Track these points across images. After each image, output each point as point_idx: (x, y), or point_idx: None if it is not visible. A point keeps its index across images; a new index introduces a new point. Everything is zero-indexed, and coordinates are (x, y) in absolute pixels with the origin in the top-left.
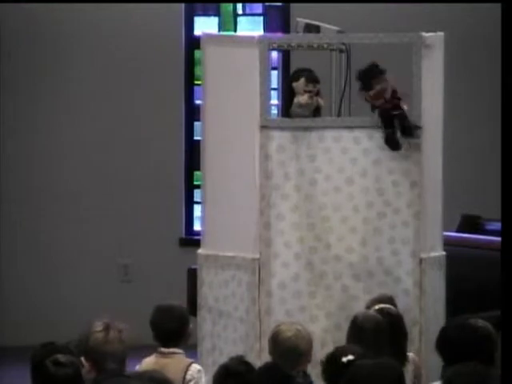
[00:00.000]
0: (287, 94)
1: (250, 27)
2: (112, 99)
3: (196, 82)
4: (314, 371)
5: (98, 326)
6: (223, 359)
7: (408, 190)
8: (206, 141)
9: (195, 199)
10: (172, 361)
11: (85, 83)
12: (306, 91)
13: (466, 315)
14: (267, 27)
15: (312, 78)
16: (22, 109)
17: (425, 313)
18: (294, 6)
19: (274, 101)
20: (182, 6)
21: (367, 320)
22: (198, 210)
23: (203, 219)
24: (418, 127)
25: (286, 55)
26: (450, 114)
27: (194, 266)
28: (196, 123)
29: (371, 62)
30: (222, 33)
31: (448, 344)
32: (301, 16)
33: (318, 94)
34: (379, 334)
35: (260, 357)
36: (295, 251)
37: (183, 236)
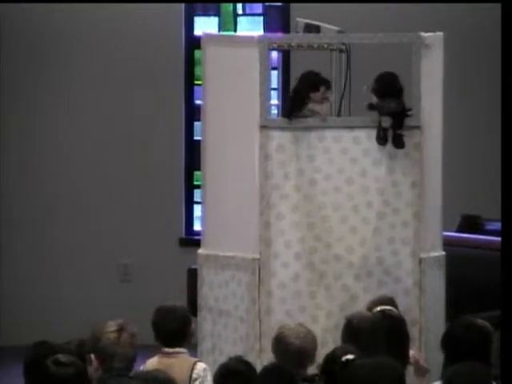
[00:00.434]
0: (297, 98)
1: (250, 27)
2: (112, 99)
3: (196, 82)
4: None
5: (112, 327)
6: (223, 359)
7: (408, 190)
8: (206, 141)
9: (195, 199)
10: (177, 360)
11: (85, 83)
12: (323, 99)
13: (471, 315)
14: (267, 27)
15: (330, 86)
16: (22, 109)
17: (425, 313)
18: (293, 5)
19: (274, 101)
20: (182, 5)
21: (363, 321)
22: (198, 210)
23: (203, 219)
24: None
25: (286, 55)
26: (449, 114)
27: (194, 266)
28: (196, 123)
29: (395, 75)
30: (221, 33)
31: (453, 342)
32: (301, 16)
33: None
34: (375, 334)
35: (260, 357)
36: (295, 251)
37: (183, 236)
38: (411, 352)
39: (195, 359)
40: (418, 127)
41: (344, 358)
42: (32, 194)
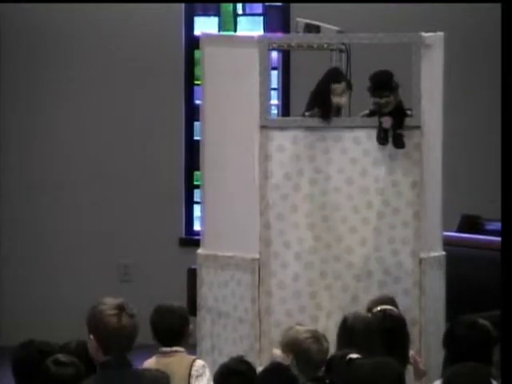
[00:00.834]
0: (323, 93)
1: (250, 27)
2: (112, 99)
3: (196, 82)
4: None
5: (111, 310)
6: (223, 359)
7: (408, 190)
8: (206, 141)
9: (195, 199)
10: (175, 359)
11: (85, 83)
12: (343, 92)
13: (471, 314)
14: (267, 27)
15: (351, 86)
16: (22, 109)
17: (425, 313)
18: (293, 6)
19: (274, 101)
20: (182, 5)
21: (357, 321)
22: (197, 210)
23: (203, 219)
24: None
25: (286, 55)
26: (449, 114)
27: (193, 266)
28: (196, 123)
29: (389, 72)
30: (221, 33)
31: (455, 341)
32: (301, 16)
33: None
34: (370, 334)
35: (259, 357)
36: (295, 251)
37: (183, 236)
38: (411, 352)
39: (193, 357)
40: (418, 127)
41: (346, 358)
42: (32, 193)
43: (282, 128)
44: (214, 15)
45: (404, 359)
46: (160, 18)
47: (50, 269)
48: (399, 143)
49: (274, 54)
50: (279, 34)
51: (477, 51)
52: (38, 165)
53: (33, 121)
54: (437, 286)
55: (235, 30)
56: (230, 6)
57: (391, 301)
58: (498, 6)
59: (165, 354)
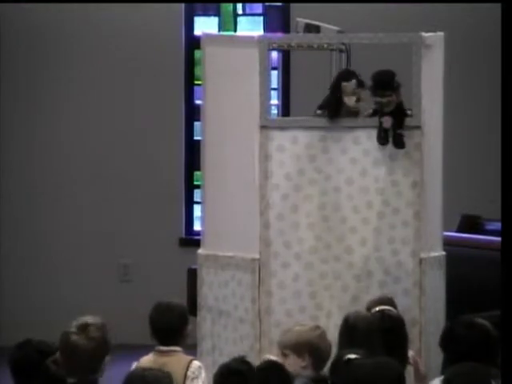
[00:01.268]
0: (333, 93)
1: (250, 27)
2: (112, 99)
3: (196, 82)
4: None
5: (73, 328)
6: (223, 359)
7: (408, 190)
8: (206, 141)
9: (195, 199)
10: (171, 359)
11: (85, 83)
12: (354, 93)
13: (471, 314)
14: (267, 27)
15: (362, 83)
16: (22, 109)
17: (425, 313)
18: (293, 5)
19: (274, 101)
20: (182, 5)
21: (359, 320)
22: (197, 210)
23: (203, 219)
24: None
25: (286, 55)
26: (449, 114)
27: (194, 266)
28: (196, 123)
29: (391, 72)
30: (221, 33)
31: (454, 341)
32: (301, 16)
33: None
34: (372, 334)
35: (260, 357)
36: (295, 251)
37: (183, 236)
38: (410, 353)
39: (190, 357)
40: (418, 127)
41: (345, 358)
42: (32, 193)
43: (282, 128)
44: (214, 15)
45: (403, 359)
46: (160, 18)
47: (50, 269)
48: (399, 143)
49: (274, 54)
50: (279, 34)
51: (477, 51)
52: (38, 165)
53: (33, 121)
54: (437, 286)
55: (235, 30)
56: (230, 5)
57: (390, 301)
58: (497, 6)
59: (162, 352)
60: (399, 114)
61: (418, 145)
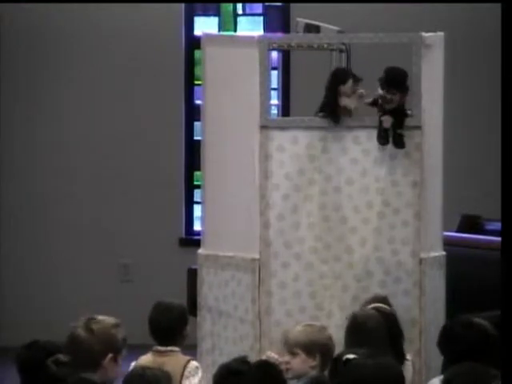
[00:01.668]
0: (331, 96)
1: (250, 27)
2: (112, 99)
3: (196, 82)
4: None
5: (78, 322)
6: (223, 359)
7: (408, 190)
8: (206, 141)
9: (195, 199)
10: (169, 359)
11: (85, 83)
12: (353, 92)
13: (469, 314)
14: (267, 27)
15: (358, 78)
16: (22, 108)
17: (425, 313)
18: (293, 5)
19: (274, 101)
20: (182, 5)
21: (368, 318)
22: (198, 210)
23: (203, 219)
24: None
25: (286, 55)
26: (450, 114)
27: (194, 266)
28: (196, 123)
29: (406, 73)
30: (221, 33)
31: (452, 341)
32: (301, 16)
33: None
34: (381, 331)
35: (260, 357)
36: (295, 251)
37: (183, 236)
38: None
39: (188, 357)
40: (418, 127)
41: (344, 358)
42: (32, 194)
43: (282, 128)
44: (214, 15)
45: (399, 356)
46: (160, 18)
47: (50, 269)
48: (399, 143)
49: (274, 54)
50: (279, 34)
51: (477, 51)
52: (37, 165)
53: (33, 121)
54: (437, 285)
55: (235, 30)
56: (230, 5)
57: (384, 300)
58: (497, 6)
59: (160, 352)
60: (399, 114)
61: (418, 145)
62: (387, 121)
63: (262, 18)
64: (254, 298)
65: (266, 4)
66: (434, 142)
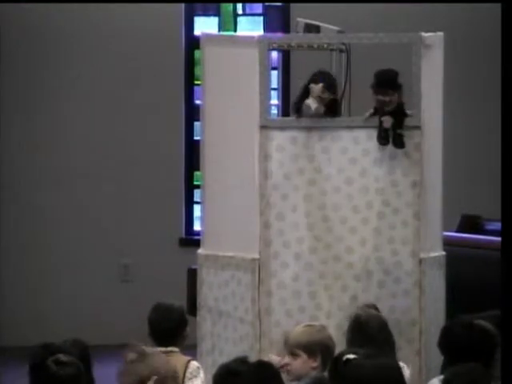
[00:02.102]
0: (302, 93)
1: (250, 27)
2: (112, 99)
3: (196, 82)
4: None
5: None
6: (223, 359)
7: (408, 190)
8: (206, 141)
9: (195, 199)
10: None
11: (85, 83)
12: (320, 97)
13: (469, 315)
14: (267, 27)
15: (330, 86)
16: (22, 108)
17: (425, 313)
18: (293, 5)
19: (274, 101)
20: (182, 5)
21: (372, 317)
22: (197, 210)
23: (203, 219)
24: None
25: (286, 55)
26: (449, 114)
27: (194, 266)
28: (196, 123)
29: (395, 71)
30: (221, 33)
31: (452, 342)
32: (301, 16)
33: (335, 101)
34: (385, 330)
35: (260, 357)
36: (295, 251)
37: (183, 236)
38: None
39: (188, 358)
40: (418, 127)
41: (344, 358)
42: (32, 193)
43: (281, 128)
44: (214, 15)
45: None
46: (160, 18)
47: (50, 269)
48: (399, 143)
49: (274, 54)
50: (279, 34)
51: (477, 51)
52: (37, 165)
53: (33, 121)
54: (437, 286)
55: (235, 30)
56: (230, 5)
57: (373, 307)
58: (497, 6)
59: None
60: (399, 114)
61: (418, 145)
62: (387, 121)
63: (261, 18)
64: (253, 298)
65: (266, 4)
66: (434, 142)
